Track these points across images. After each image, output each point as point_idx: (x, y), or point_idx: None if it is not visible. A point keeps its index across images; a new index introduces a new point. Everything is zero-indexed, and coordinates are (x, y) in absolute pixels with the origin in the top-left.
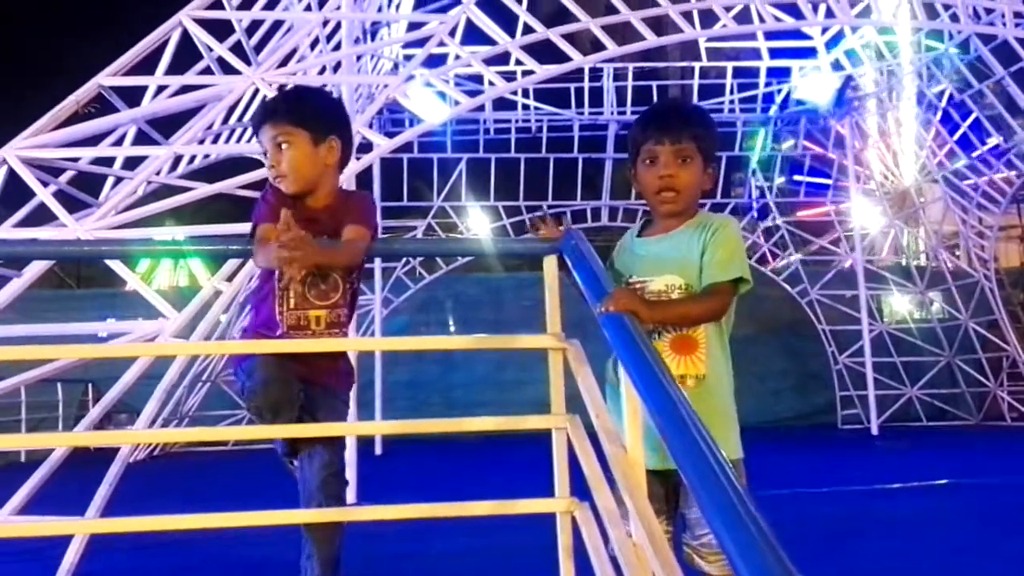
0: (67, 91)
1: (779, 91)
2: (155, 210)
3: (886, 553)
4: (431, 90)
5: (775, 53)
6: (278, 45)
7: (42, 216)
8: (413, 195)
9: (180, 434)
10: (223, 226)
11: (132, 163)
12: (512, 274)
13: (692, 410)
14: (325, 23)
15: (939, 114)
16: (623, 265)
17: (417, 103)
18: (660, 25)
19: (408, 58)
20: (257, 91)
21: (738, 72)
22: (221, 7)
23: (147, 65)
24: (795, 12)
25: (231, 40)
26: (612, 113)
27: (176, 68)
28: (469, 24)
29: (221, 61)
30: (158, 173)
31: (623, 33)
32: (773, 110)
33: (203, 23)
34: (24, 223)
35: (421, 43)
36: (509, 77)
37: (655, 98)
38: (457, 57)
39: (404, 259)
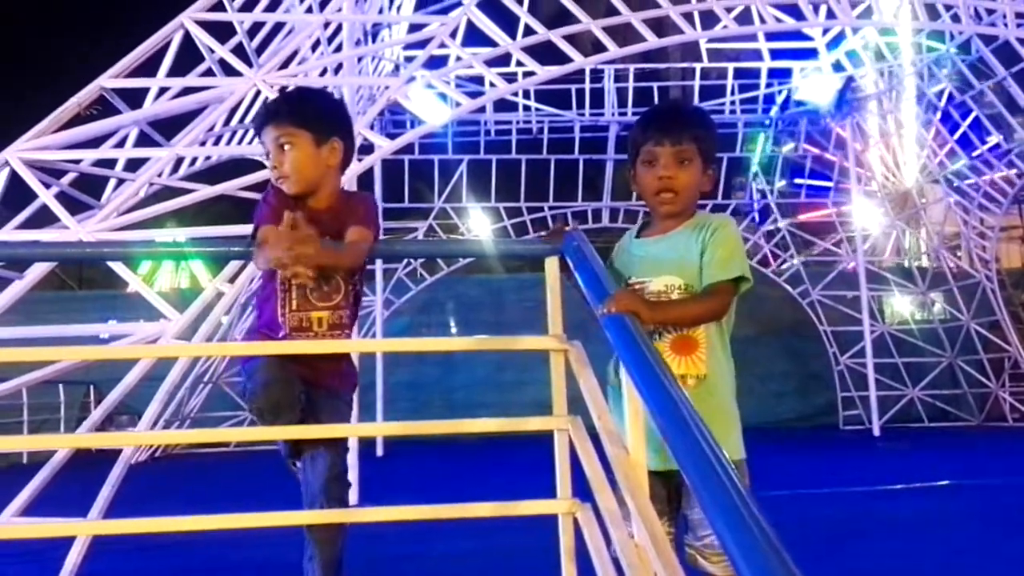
0: (69, 93)
1: (780, 92)
2: (157, 212)
3: (888, 554)
4: (432, 91)
5: (776, 54)
6: (280, 47)
7: (44, 218)
8: (414, 196)
9: (182, 436)
10: (225, 228)
11: (134, 165)
12: (513, 275)
13: (694, 411)
14: (326, 25)
15: (939, 114)
16: (622, 266)
17: (418, 104)
18: (661, 26)
19: (409, 60)
20: (259, 93)
21: (739, 73)
22: (223, 9)
23: (149, 67)
24: (796, 13)
25: (233, 42)
26: (613, 114)
27: (178, 70)
28: (470, 25)
29: (223, 63)
30: (160, 175)
31: (624, 34)
32: (774, 111)
33: (205, 25)
34: (26, 225)
35: (422, 45)
36: (510, 78)
37: (656, 99)
38: (458, 59)
39: (405, 260)
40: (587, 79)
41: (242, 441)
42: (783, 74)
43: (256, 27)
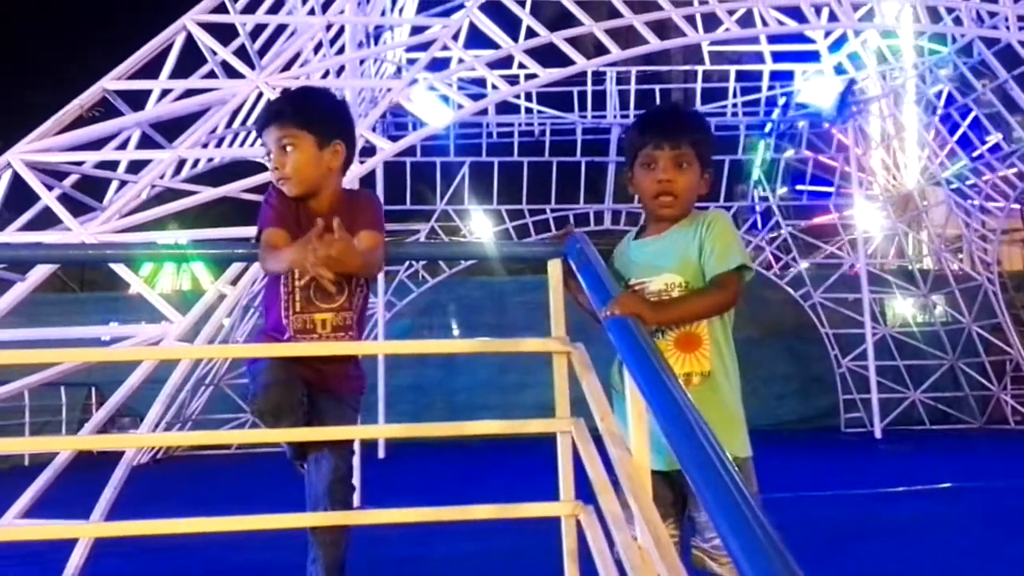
0: (70, 94)
1: (782, 95)
2: (159, 214)
3: (889, 556)
4: (434, 94)
5: (778, 57)
6: (282, 49)
7: (46, 220)
8: (416, 198)
9: (184, 438)
10: (227, 230)
11: (136, 167)
12: (515, 278)
13: (697, 413)
14: (329, 27)
15: (939, 113)
16: (622, 268)
17: (420, 107)
18: (663, 28)
19: (411, 62)
20: (261, 95)
21: (741, 76)
22: (225, 11)
23: (151, 69)
24: (798, 16)
25: (235, 44)
26: (615, 117)
27: (180, 72)
28: (472, 28)
29: (225, 65)
30: (162, 177)
31: (626, 36)
32: (776, 114)
33: (207, 27)
34: (28, 227)
35: (424, 47)
36: (512, 81)
37: (658, 102)
38: (460, 61)
39: (407, 262)
40: (589, 81)
41: (244, 443)
42: (785, 77)
43: (258, 29)
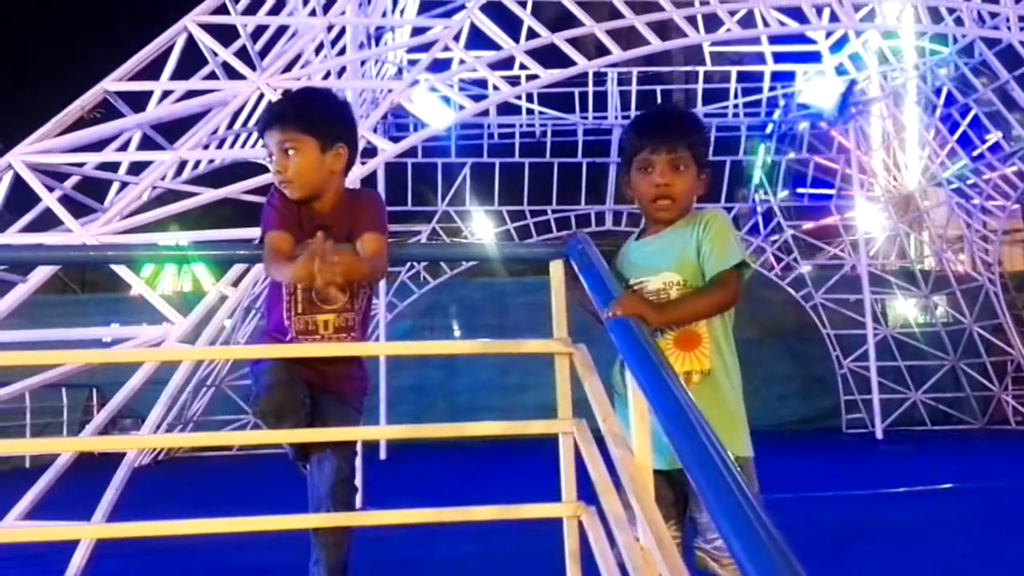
0: (71, 94)
1: (783, 96)
2: (160, 215)
3: (891, 557)
4: (435, 95)
5: (779, 57)
6: (283, 50)
7: (47, 221)
8: (417, 200)
9: (185, 439)
10: (228, 231)
11: (137, 168)
12: (516, 279)
13: (699, 413)
14: (330, 28)
15: (938, 111)
16: (623, 269)
17: (421, 108)
18: (664, 29)
19: (412, 63)
20: (262, 96)
21: (742, 76)
22: (226, 12)
23: (152, 70)
24: (799, 16)
25: (236, 45)
26: (616, 118)
27: (181, 73)
28: (473, 29)
29: (226, 66)
30: (163, 178)
31: (627, 37)
32: (777, 114)
33: (208, 28)
34: (29, 228)
35: (426, 48)
36: (513, 82)
37: (659, 102)
38: (462, 62)
39: (408, 264)
40: (590, 82)
41: (245, 445)
42: (786, 77)
43: (259, 30)
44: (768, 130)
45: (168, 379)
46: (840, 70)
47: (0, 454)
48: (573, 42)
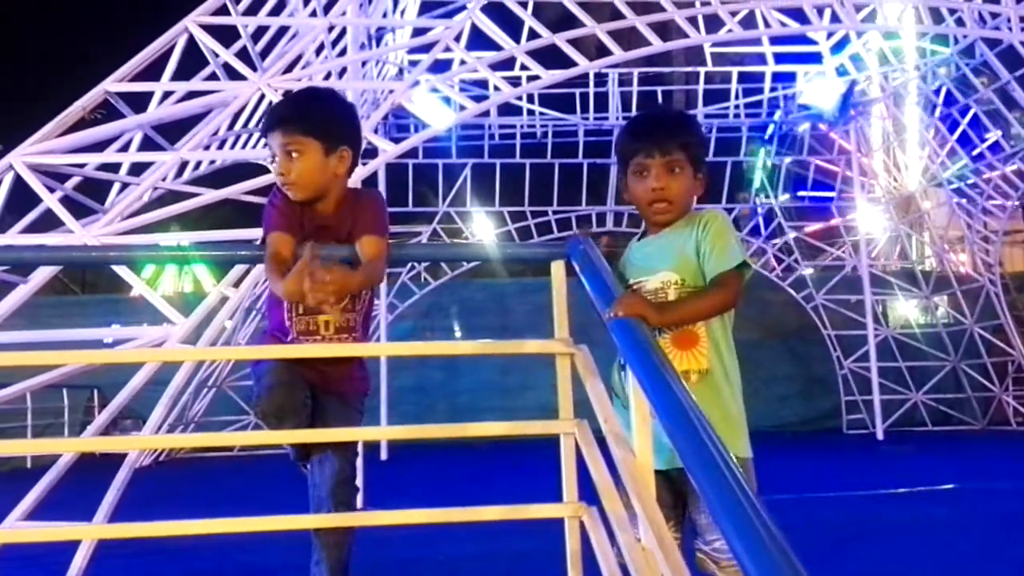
0: (73, 97)
1: (784, 96)
2: (161, 216)
3: (891, 558)
4: (436, 95)
5: (780, 58)
6: (284, 51)
7: (48, 222)
8: (418, 200)
9: (187, 439)
10: (229, 232)
11: (138, 169)
12: (517, 279)
13: (701, 412)
14: (331, 29)
15: (938, 110)
16: (624, 269)
17: (422, 108)
18: (665, 30)
19: (413, 63)
20: (263, 97)
21: (743, 77)
22: (227, 13)
23: (153, 71)
24: (800, 17)
25: (237, 46)
26: (617, 118)
27: (182, 74)
28: (474, 29)
29: (227, 67)
30: (164, 179)
31: (628, 38)
32: (778, 115)
33: (209, 29)
34: (30, 229)
35: (427, 48)
36: (514, 82)
37: (660, 103)
38: (462, 62)
39: (409, 264)
40: (591, 83)
41: (247, 445)
42: (787, 78)
43: (260, 31)
44: (768, 132)
45: (169, 380)
46: (841, 71)
47: (1, 454)
48: (574, 43)
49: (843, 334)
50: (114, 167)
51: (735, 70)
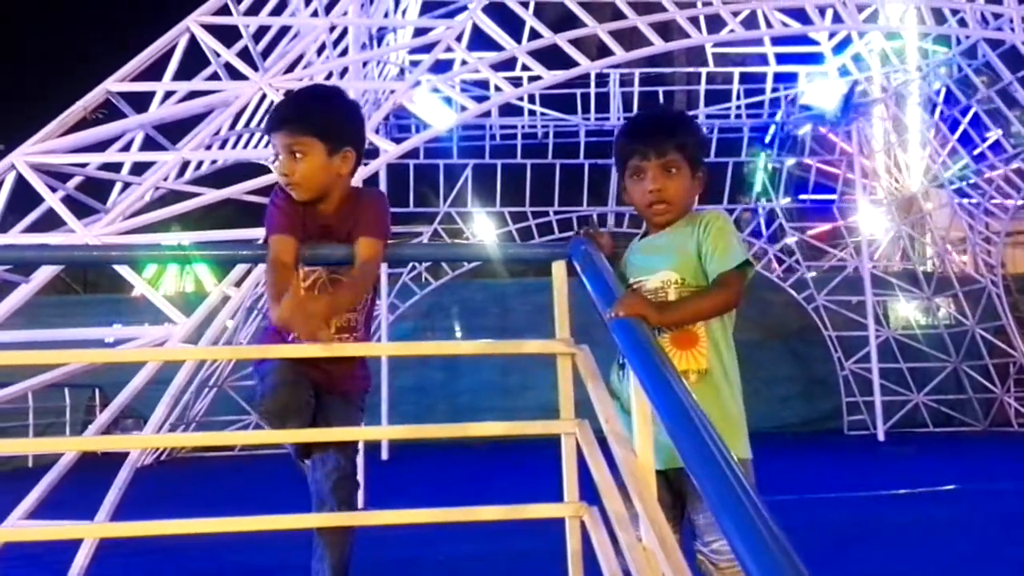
0: (75, 96)
1: (786, 97)
2: (163, 215)
3: (893, 559)
4: (437, 96)
5: (782, 59)
6: (285, 51)
7: (51, 222)
8: (419, 201)
9: (188, 439)
10: (231, 231)
11: (140, 168)
12: (517, 280)
13: (702, 412)
14: (332, 29)
15: (938, 109)
16: (625, 268)
17: (423, 109)
18: (667, 30)
19: (415, 64)
20: (264, 97)
21: (745, 78)
22: (228, 13)
23: (155, 71)
24: (802, 17)
25: (238, 46)
26: (618, 119)
27: (183, 74)
28: (476, 29)
29: (228, 67)
30: (166, 179)
31: (630, 38)
32: (779, 116)
33: (210, 29)
34: (32, 228)
35: (428, 48)
36: (516, 83)
37: (662, 103)
38: (464, 62)
39: (410, 265)
40: (592, 83)
41: (248, 445)
42: (789, 79)
43: (262, 31)
44: (769, 136)
45: (171, 379)
46: (843, 71)
47: (3, 454)
48: (575, 43)
49: (844, 335)
50: (116, 167)
51: (737, 70)
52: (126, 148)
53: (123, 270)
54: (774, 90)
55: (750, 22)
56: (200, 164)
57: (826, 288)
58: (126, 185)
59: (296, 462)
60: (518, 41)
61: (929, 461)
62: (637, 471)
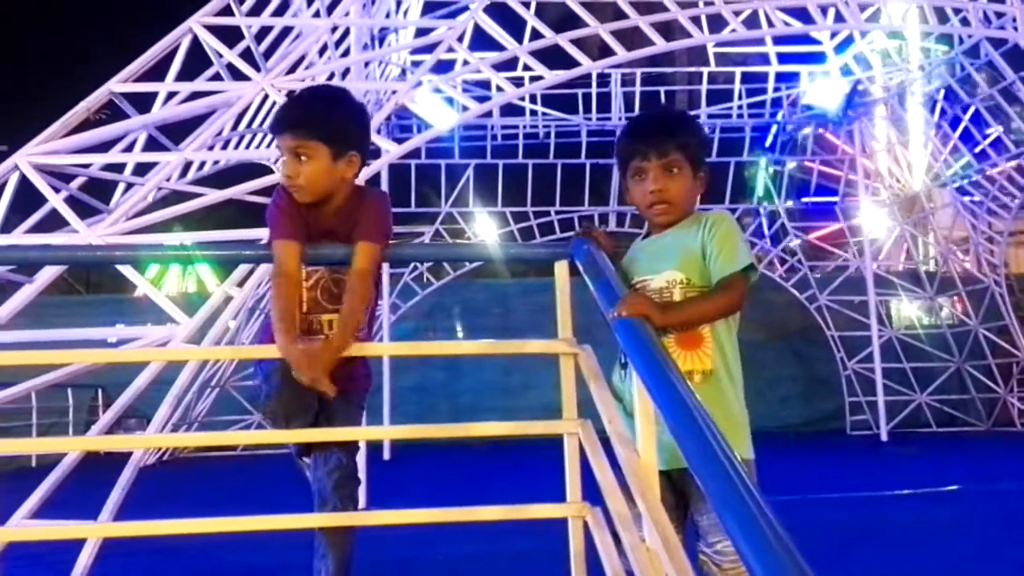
0: (78, 97)
1: (788, 96)
2: (165, 216)
3: (895, 559)
4: (439, 96)
5: (783, 58)
6: (287, 51)
7: (54, 222)
8: (421, 201)
9: (191, 439)
10: (233, 231)
11: (143, 169)
12: (519, 280)
13: (705, 412)
14: (334, 29)
15: (939, 107)
16: (628, 269)
17: (425, 109)
18: (669, 30)
19: (416, 64)
20: (266, 97)
21: (746, 77)
22: (231, 14)
23: (157, 72)
24: (804, 17)
25: (241, 46)
26: (620, 119)
27: (186, 74)
28: (477, 30)
29: (231, 67)
30: (168, 179)
31: (632, 38)
32: (780, 116)
33: (213, 29)
34: (36, 229)
35: (429, 49)
36: (517, 83)
37: (663, 103)
38: (465, 63)
39: (412, 265)
40: (594, 83)
41: (250, 445)
42: (791, 78)
43: (264, 31)
44: (770, 138)
45: (173, 379)
46: (845, 71)
47: (7, 453)
48: (577, 43)
49: (847, 335)
50: (119, 167)
51: (738, 70)
52: (129, 149)
53: (126, 270)
54: (776, 90)
55: (752, 22)
56: (202, 164)
57: (829, 288)
58: (129, 185)
59: (296, 461)
60: (520, 41)
61: (932, 461)
62: (640, 471)
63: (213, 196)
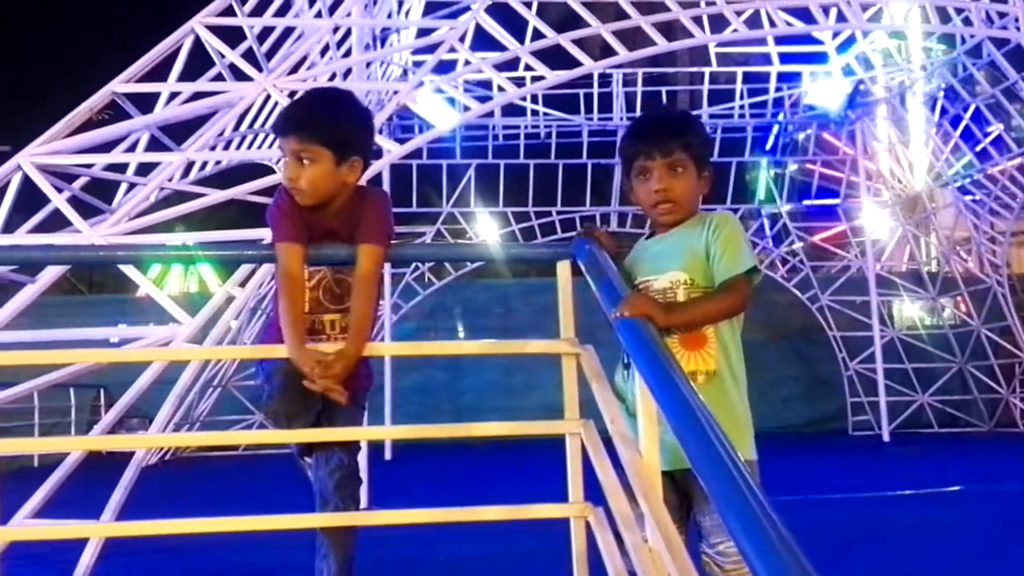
0: (80, 97)
1: (789, 96)
2: (168, 216)
3: (897, 559)
4: (440, 96)
5: (785, 58)
6: (289, 52)
7: (56, 222)
8: (422, 201)
9: (193, 438)
10: (235, 232)
11: (145, 169)
12: (520, 280)
13: (709, 413)
14: (336, 29)
15: (939, 106)
16: (631, 269)
17: (427, 109)
18: (670, 30)
19: (418, 64)
20: (268, 97)
21: (748, 77)
22: (233, 14)
23: (160, 72)
24: (806, 16)
25: (243, 47)
26: (621, 119)
27: (188, 75)
28: (479, 30)
29: (233, 68)
30: (171, 179)
31: (633, 38)
32: (781, 116)
33: (215, 30)
34: (38, 229)
35: (431, 49)
36: (519, 83)
37: (665, 103)
38: (467, 63)
39: (413, 265)
40: (595, 83)
41: (251, 444)
42: (792, 78)
43: (266, 32)
44: (771, 140)
45: (175, 379)
46: (847, 71)
47: (9, 453)
48: (579, 43)
49: (849, 335)
50: (121, 167)
51: (740, 70)
52: (131, 149)
53: (128, 270)
54: (778, 90)
55: (753, 21)
56: (205, 165)
57: (831, 288)
58: (131, 186)
59: (298, 461)
60: (521, 41)
61: (934, 462)
62: (642, 472)
63: (215, 196)
